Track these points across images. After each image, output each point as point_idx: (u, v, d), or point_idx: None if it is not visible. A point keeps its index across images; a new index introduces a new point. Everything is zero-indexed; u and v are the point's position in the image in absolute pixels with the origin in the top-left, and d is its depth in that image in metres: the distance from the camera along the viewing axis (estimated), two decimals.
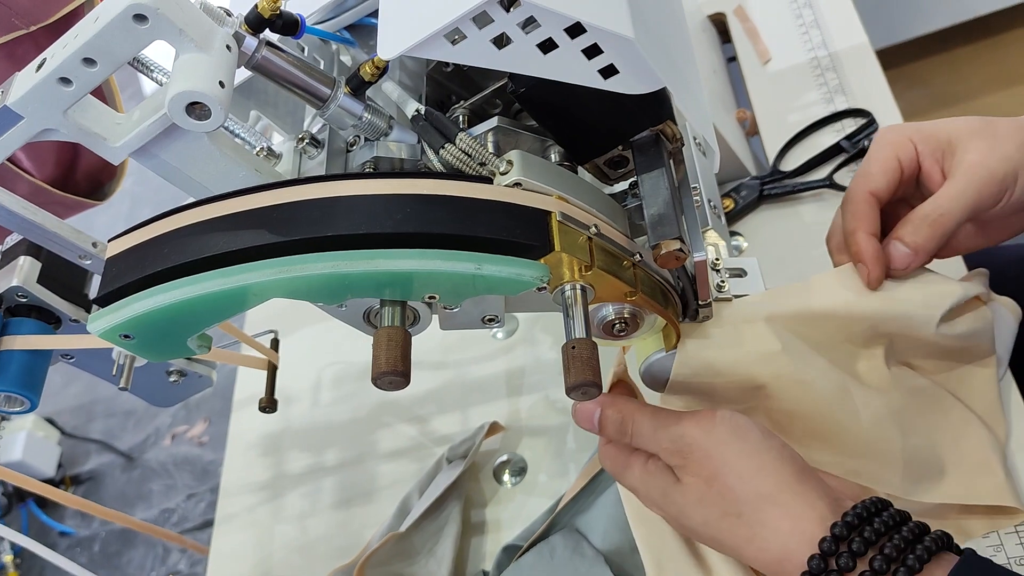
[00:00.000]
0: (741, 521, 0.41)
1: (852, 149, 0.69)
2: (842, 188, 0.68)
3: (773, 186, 0.70)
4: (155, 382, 0.60)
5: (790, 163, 0.72)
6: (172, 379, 0.60)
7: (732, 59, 0.84)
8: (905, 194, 0.51)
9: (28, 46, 0.56)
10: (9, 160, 0.59)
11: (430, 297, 0.41)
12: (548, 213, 0.42)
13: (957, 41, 1.78)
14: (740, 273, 0.53)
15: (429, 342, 0.55)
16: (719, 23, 0.86)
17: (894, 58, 1.79)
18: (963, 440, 0.52)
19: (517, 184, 0.42)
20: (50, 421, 2.06)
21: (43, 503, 1.97)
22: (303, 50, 0.54)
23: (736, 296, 0.52)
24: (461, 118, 0.49)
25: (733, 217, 0.70)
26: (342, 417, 0.74)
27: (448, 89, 0.54)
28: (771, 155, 0.73)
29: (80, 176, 0.62)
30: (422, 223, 0.39)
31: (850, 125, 0.72)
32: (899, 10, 1.64)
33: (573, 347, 0.41)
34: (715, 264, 0.53)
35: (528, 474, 0.65)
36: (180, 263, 0.40)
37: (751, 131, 0.77)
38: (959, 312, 0.51)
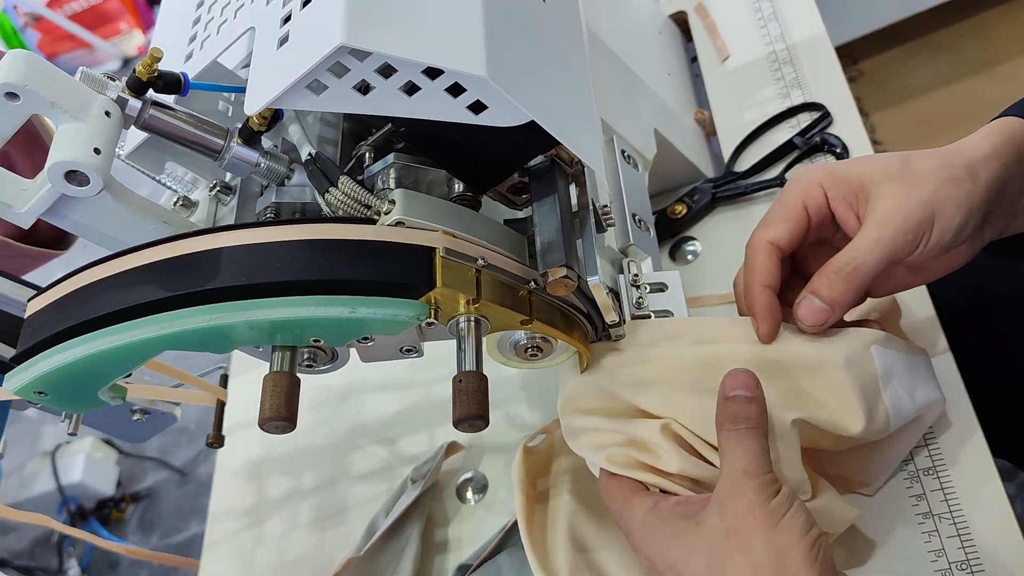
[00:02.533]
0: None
1: (804, 146, 0.68)
2: None
3: (725, 188, 0.69)
4: (121, 421, 0.63)
5: (746, 162, 0.71)
6: (136, 418, 0.63)
7: (696, 59, 0.83)
8: (823, 237, 0.50)
9: None
10: None
11: (315, 340, 0.42)
12: (432, 249, 0.43)
13: (985, 4, 1.72)
14: (661, 287, 0.53)
15: (400, 363, 0.56)
16: (682, 22, 0.85)
17: (916, 27, 1.73)
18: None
19: (400, 223, 0.43)
20: (107, 442, 2.15)
21: (105, 520, 2.06)
22: (232, 96, 0.55)
23: (656, 313, 0.52)
24: (367, 156, 0.50)
25: (687, 222, 0.70)
26: (319, 441, 0.76)
27: (367, 122, 0.55)
28: (728, 155, 0.72)
29: (43, 228, 0.65)
30: (299, 270, 0.41)
31: (805, 120, 0.70)
32: None
33: (460, 380, 0.42)
34: (635, 280, 0.53)
35: (489, 491, 0.65)
36: (80, 321, 0.42)
37: (711, 131, 0.76)
38: None
